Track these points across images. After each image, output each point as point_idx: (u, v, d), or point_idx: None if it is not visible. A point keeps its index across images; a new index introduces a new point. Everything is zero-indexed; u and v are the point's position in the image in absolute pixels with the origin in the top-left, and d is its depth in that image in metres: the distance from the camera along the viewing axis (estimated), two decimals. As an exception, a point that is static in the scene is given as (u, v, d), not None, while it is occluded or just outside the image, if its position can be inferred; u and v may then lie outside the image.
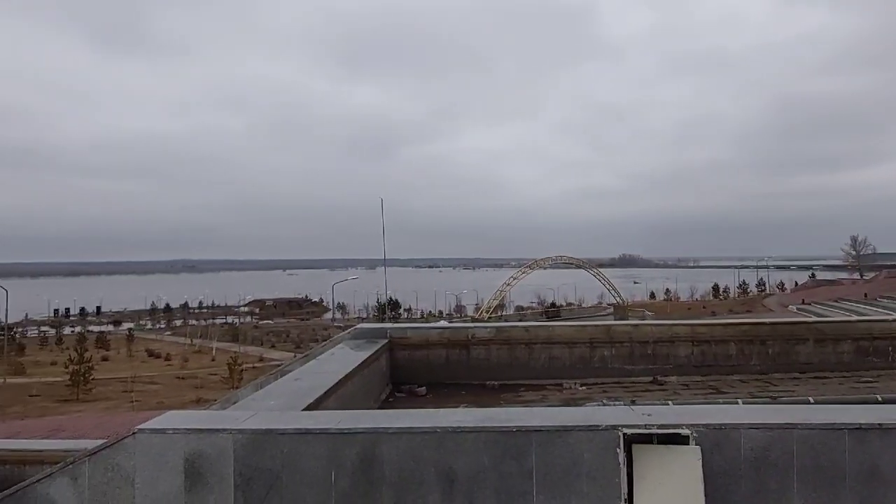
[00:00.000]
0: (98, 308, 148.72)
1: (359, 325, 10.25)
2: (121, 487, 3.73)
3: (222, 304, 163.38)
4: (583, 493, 3.68)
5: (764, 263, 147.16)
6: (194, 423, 3.87)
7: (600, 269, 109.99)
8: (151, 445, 3.74)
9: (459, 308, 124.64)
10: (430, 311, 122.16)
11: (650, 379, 9.07)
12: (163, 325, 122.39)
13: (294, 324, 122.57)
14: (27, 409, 33.95)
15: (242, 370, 45.97)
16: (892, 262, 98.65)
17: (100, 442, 8.43)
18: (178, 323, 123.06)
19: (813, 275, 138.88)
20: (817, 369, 9.40)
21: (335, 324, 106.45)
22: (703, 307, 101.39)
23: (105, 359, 63.26)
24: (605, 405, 6.66)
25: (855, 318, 16.70)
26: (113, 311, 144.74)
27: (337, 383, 6.22)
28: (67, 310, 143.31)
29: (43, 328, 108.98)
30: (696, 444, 3.65)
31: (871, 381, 8.79)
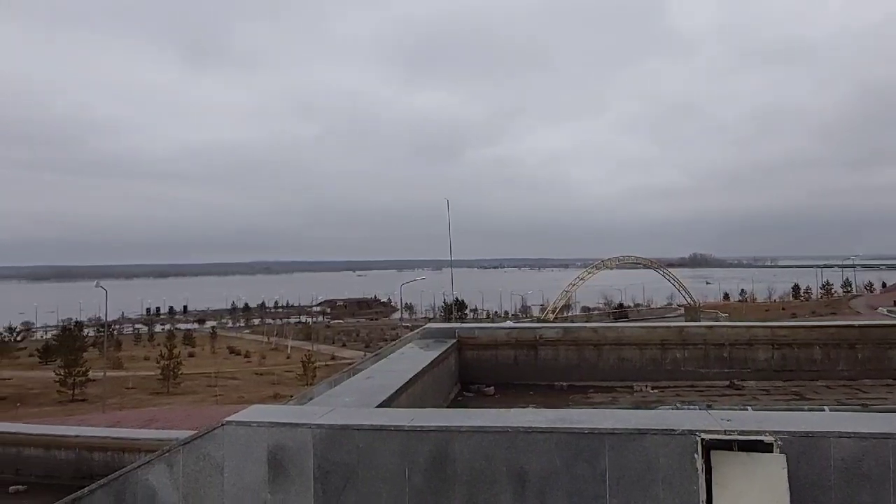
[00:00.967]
0: (185, 307, 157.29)
1: (427, 325, 10.33)
2: (211, 475, 3.92)
3: (296, 304, 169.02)
4: (658, 498, 3.57)
5: (850, 263, 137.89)
6: (276, 417, 4.01)
7: (669, 269, 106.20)
8: (238, 437, 3.92)
9: (525, 308, 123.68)
10: (496, 312, 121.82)
11: (726, 383, 8.68)
12: (242, 324, 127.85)
13: (363, 323, 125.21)
14: (124, 401, 36.29)
15: (315, 368, 47.39)
16: None
17: (191, 433, 8.89)
18: (256, 322, 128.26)
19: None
20: (912, 376, 8.72)
21: (403, 323, 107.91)
22: (783, 309, 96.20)
23: (191, 355, 66.68)
24: (679, 409, 6.43)
25: (954, 321, 15.40)
26: (198, 310, 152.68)
27: (408, 382, 6.30)
28: (158, 309, 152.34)
29: (137, 326, 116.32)
30: (780, 453, 3.47)
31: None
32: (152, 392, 40.20)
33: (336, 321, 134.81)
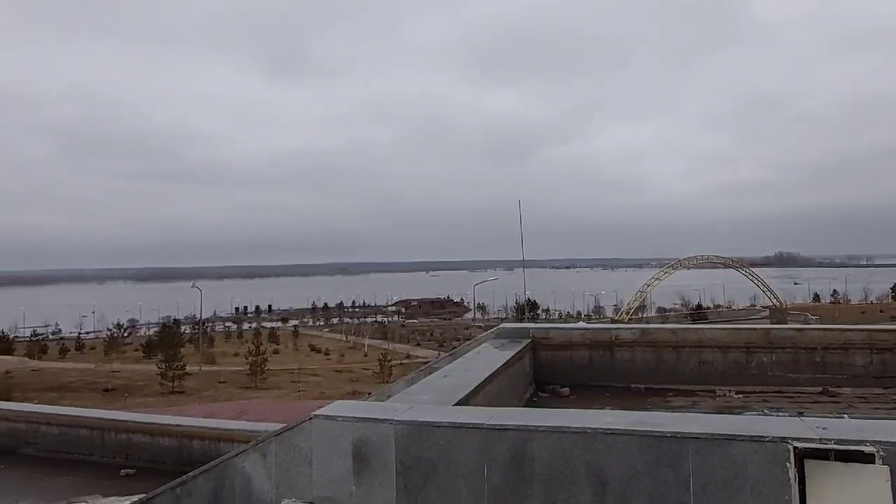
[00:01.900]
0: (269, 307, 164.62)
1: (502, 325, 10.30)
2: (301, 466, 4.10)
3: (372, 303, 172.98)
4: (747, 507, 3.40)
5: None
6: (361, 412, 4.14)
7: (752, 269, 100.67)
8: (325, 430, 4.07)
9: (598, 309, 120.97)
10: (568, 312, 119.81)
11: (819, 389, 8.13)
12: (322, 323, 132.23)
13: (437, 323, 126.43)
14: (217, 394, 38.39)
15: (391, 366, 48.29)
16: None
17: (278, 425, 9.28)
18: (335, 321, 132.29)
19: None
20: None
21: (475, 323, 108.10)
22: (881, 311, 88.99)
23: (276, 352, 69.61)
24: (767, 415, 6.09)
25: None
26: (281, 309, 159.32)
27: (484, 381, 6.31)
28: (245, 308, 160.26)
29: (227, 324, 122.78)
30: (883, 464, 3.22)
31: None
32: (242, 386, 42.29)
33: (410, 321, 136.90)
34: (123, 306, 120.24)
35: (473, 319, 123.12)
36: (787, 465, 3.34)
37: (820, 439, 3.35)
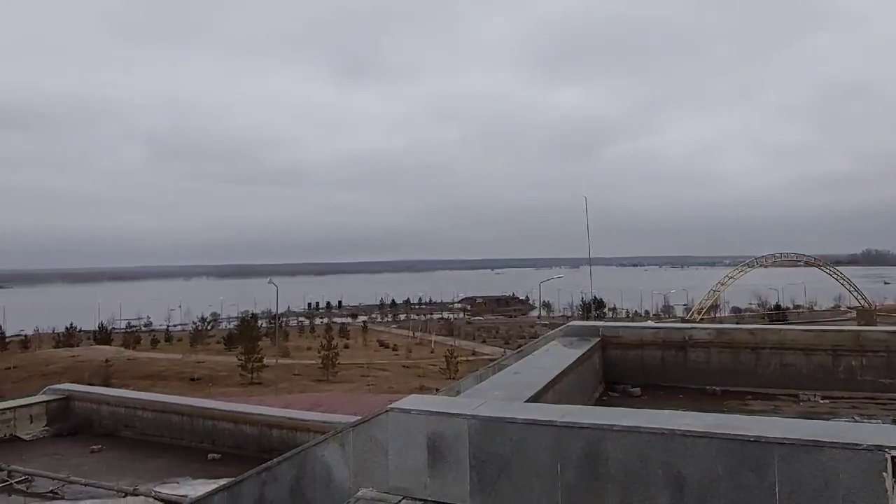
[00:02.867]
0: (339, 302, 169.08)
1: (571, 323, 10.14)
2: (377, 456, 4.20)
3: (438, 301, 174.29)
4: (838, 517, 3.21)
5: None
6: (434, 407, 4.19)
7: (837, 268, 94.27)
8: (400, 423, 4.15)
9: (667, 308, 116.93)
10: (636, 311, 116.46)
11: (915, 396, 7.54)
12: (389, 319, 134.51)
13: (502, 320, 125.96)
14: (292, 386, 39.85)
15: (457, 362, 48.51)
16: None
17: (352, 417, 9.50)
18: (403, 317, 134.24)
19: None
20: None
21: (540, 321, 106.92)
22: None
23: (346, 347, 71.43)
24: (859, 422, 5.71)
25: None
26: (351, 305, 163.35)
27: (554, 379, 6.25)
28: (317, 303, 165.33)
29: (300, 319, 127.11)
30: None
31: None
32: (314, 379, 43.69)
33: (476, 318, 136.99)
34: (206, 301, 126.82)
35: (538, 317, 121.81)
36: (884, 474, 3.12)
37: (921, 449, 3.11)
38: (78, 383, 14.68)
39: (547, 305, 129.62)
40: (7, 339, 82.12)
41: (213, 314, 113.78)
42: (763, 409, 7.48)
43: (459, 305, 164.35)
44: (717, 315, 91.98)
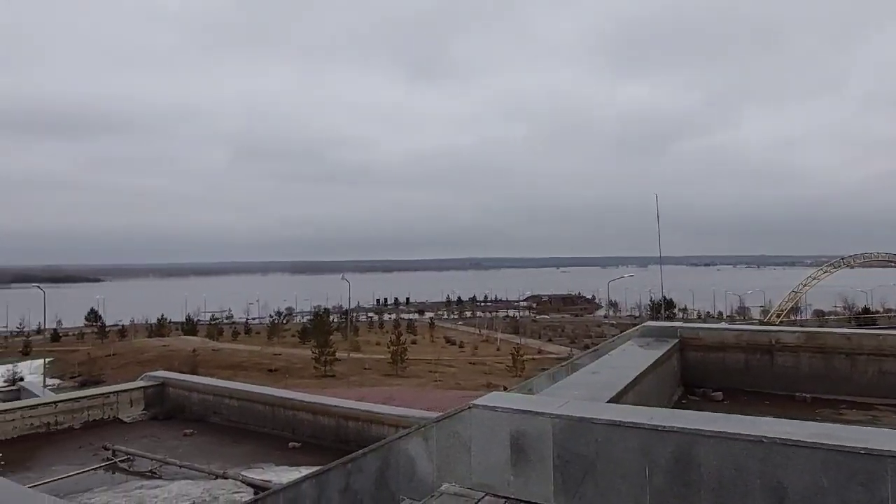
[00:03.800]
0: (407, 299, 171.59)
1: (647, 323, 9.81)
2: (460, 452, 4.20)
3: (504, 298, 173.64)
4: (964, 539, 2.92)
5: None
6: (517, 405, 4.14)
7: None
8: (483, 419, 4.13)
9: (742, 310, 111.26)
10: (708, 312, 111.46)
11: None
12: (456, 316, 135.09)
13: (568, 319, 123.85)
14: (363, 379, 40.77)
15: (524, 360, 48.10)
16: None
17: (427, 412, 9.59)
18: (468, 314, 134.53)
19: None
20: None
21: (607, 321, 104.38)
22: None
23: (413, 342, 72.32)
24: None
25: None
26: (418, 301, 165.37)
27: (634, 380, 6.06)
28: (385, 299, 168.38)
29: (369, 314, 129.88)
30: None
31: None
32: (384, 373, 44.50)
33: (541, 316, 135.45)
34: (281, 295, 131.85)
35: (605, 317, 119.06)
36: None
37: None
38: (169, 371, 15.58)
39: (614, 305, 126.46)
40: (107, 329, 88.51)
41: (288, 308, 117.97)
42: (860, 419, 6.95)
43: (525, 303, 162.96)
44: (798, 318, 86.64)
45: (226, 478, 8.81)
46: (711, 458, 3.50)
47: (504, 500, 3.98)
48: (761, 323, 72.32)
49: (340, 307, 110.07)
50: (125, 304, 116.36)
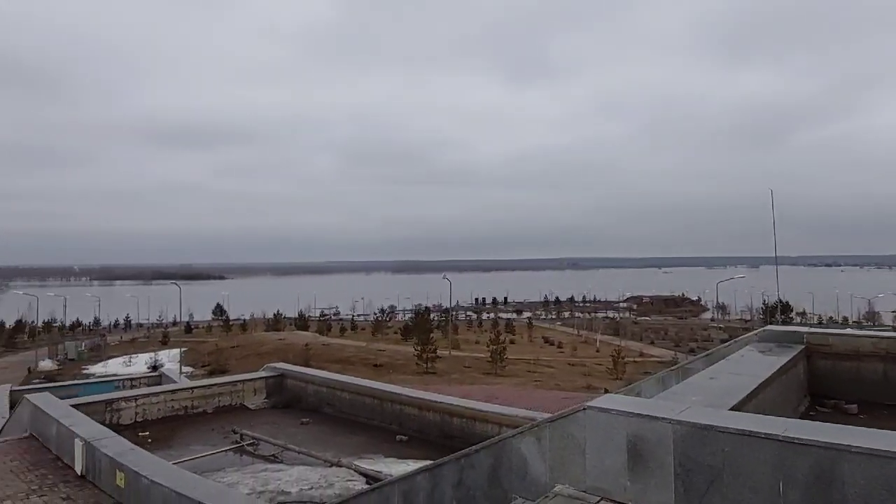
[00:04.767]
0: (505, 298, 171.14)
1: (767, 327, 9.07)
2: (574, 454, 4.09)
3: (602, 299, 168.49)
4: None
5: None
6: (634, 408, 3.97)
7: None
8: (598, 422, 3.99)
9: (871, 315, 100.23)
10: (831, 317, 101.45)
11: None
12: (553, 316, 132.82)
13: (671, 322, 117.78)
14: (463, 377, 41.13)
15: (625, 363, 46.32)
16: None
17: (531, 412, 9.47)
18: (566, 315, 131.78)
19: None
20: None
21: (714, 324, 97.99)
22: None
23: (512, 342, 71.90)
24: None
25: None
26: (515, 301, 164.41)
27: (758, 387, 5.62)
28: (483, 299, 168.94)
29: (468, 313, 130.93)
30: None
31: None
32: (483, 372, 44.57)
33: (642, 318, 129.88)
34: (384, 294, 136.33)
35: (712, 320, 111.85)
36: None
37: None
38: (285, 363, 16.54)
39: (722, 307, 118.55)
40: (231, 322, 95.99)
41: (391, 306, 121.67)
42: None
43: (625, 304, 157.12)
44: (941, 324, 76.61)
45: (340, 466, 9.20)
46: (858, 477, 3.16)
47: (620, 505, 3.83)
48: (895, 329, 64.74)
49: (440, 306, 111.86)
50: (246, 300, 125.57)
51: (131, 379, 23.64)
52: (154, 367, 37.88)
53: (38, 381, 36.92)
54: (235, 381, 14.29)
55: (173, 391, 13.31)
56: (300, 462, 9.62)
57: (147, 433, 11.39)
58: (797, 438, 3.37)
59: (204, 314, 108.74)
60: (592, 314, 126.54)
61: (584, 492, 4.00)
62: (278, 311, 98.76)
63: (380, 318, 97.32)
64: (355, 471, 8.95)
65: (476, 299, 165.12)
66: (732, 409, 4.73)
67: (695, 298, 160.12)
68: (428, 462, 6.63)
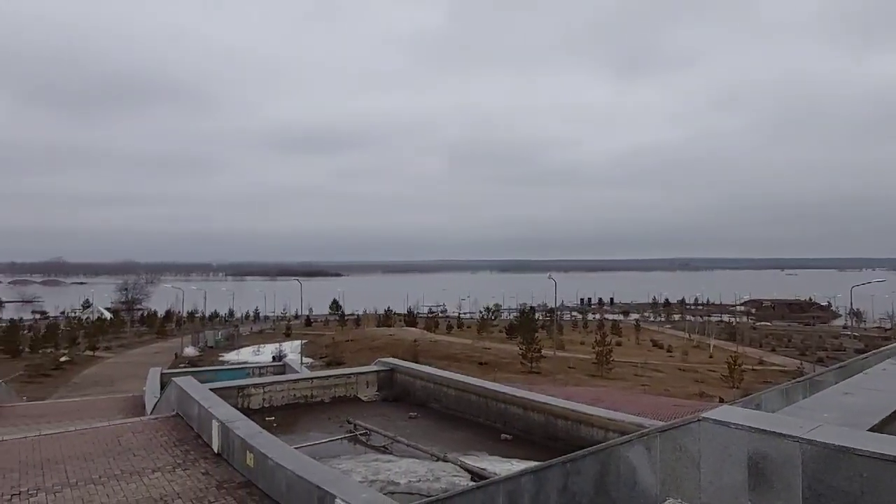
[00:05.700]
0: (611, 299, 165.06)
1: (915, 340, 8.00)
2: (687, 467, 3.84)
3: (717, 301, 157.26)
4: None
5: None
6: (755, 422, 3.65)
7: None
8: (715, 434, 3.72)
9: None
10: None
11: None
12: (662, 319, 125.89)
13: (795, 328, 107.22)
14: (567, 378, 40.21)
15: (742, 370, 42.85)
16: None
17: (638, 417, 9.05)
18: (677, 317, 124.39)
19: None
20: None
21: (847, 332, 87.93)
22: None
23: (618, 344, 69.05)
24: None
25: None
26: (622, 302, 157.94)
27: (903, 406, 4.96)
28: (589, 299, 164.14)
29: (573, 313, 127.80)
30: None
31: None
32: (588, 374, 43.21)
33: (762, 323, 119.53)
34: (489, 292, 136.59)
35: (845, 327, 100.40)
36: None
37: None
38: (395, 358, 17.08)
39: (857, 314, 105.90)
40: (346, 317, 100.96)
41: (496, 305, 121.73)
42: None
43: (742, 308, 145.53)
44: None
45: (446, 461, 9.34)
46: None
47: (740, 526, 3.54)
48: None
49: (545, 305, 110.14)
50: (359, 296, 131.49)
51: (259, 367, 25.65)
52: (279, 357, 40.74)
53: (183, 365, 41.06)
54: (350, 373, 15.01)
55: (295, 381, 14.23)
56: (409, 454, 9.89)
57: (273, 418, 12.29)
58: (956, 469, 2.93)
59: (322, 308, 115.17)
60: (705, 317, 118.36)
61: (699, 508, 3.75)
62: (388, 308, 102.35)
63: (485, 317, 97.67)
64: (461, 467, 9.04)
65: (581, 299, 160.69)
66: (871, 429, 4.23)
67: (824, 303, 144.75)
68: (531, 463, 6.54)
